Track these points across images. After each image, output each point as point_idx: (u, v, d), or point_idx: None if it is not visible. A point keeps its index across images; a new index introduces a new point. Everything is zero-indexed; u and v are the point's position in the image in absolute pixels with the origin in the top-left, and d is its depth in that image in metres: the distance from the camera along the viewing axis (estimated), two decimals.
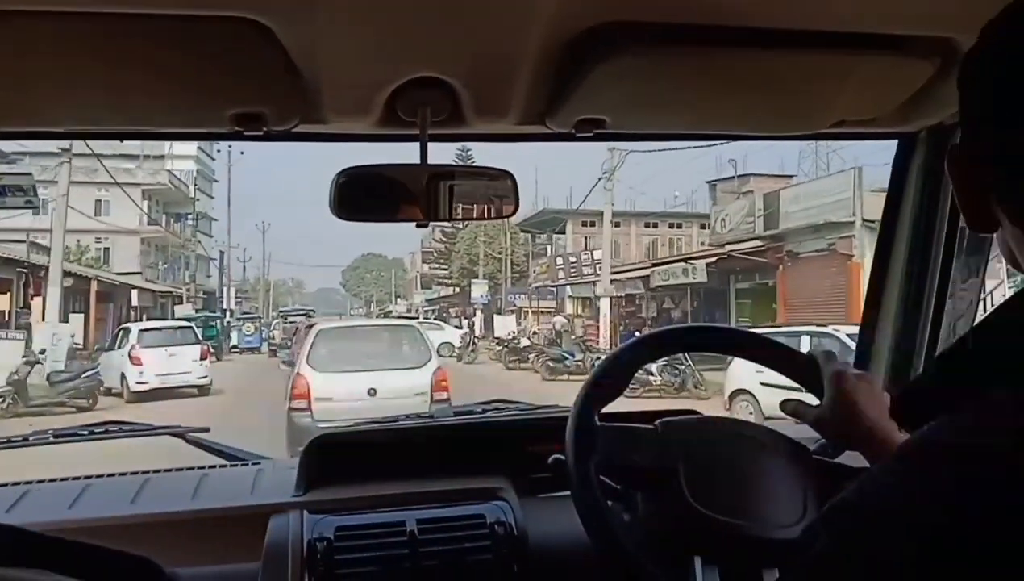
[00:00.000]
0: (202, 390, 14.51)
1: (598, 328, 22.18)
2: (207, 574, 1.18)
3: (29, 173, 13.96)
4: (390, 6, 0.84)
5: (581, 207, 28.99)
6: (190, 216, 35.30)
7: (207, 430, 1.67)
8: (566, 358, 16.05)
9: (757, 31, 0.90)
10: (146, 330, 15.49)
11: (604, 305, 20.82)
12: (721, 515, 0.94)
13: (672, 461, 0.97)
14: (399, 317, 31.86)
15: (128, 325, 16.51)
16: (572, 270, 28.12)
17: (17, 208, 13.35)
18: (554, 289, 31.76)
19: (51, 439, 1.59)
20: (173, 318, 23.35)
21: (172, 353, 14.42)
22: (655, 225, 35.29)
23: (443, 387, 7.92)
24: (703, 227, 35.34)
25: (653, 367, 11.80)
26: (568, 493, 1.00)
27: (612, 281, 21.74)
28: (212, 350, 18.78)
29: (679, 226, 35.83)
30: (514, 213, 1.20)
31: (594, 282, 26.11)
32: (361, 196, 1.14)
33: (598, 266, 26.64)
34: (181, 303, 29.06)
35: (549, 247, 36.85)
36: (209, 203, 44.60)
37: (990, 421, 0.41)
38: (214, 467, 1.55)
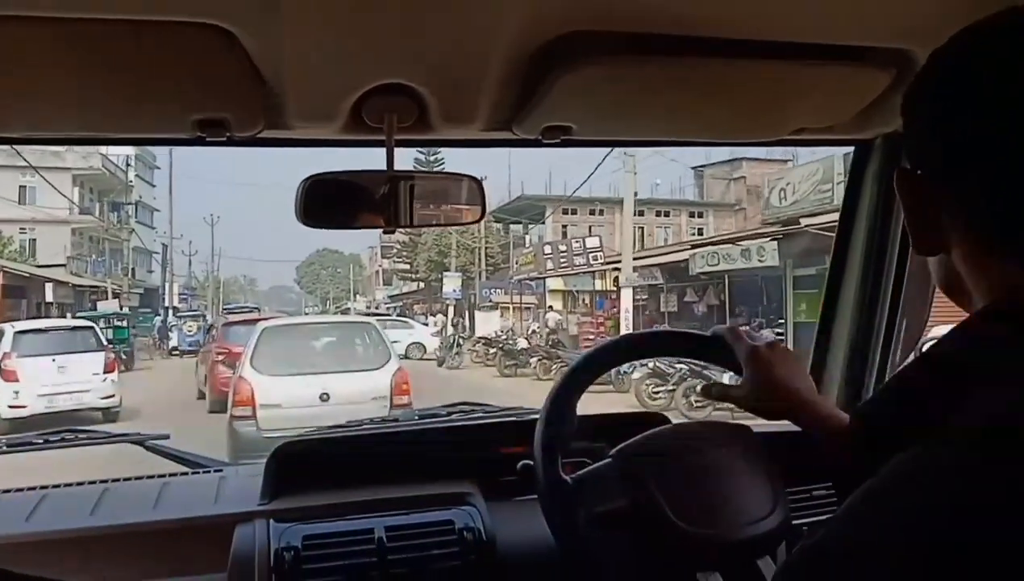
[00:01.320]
0: (108, 414, 11.64)
1: (599, 325, 21.28)
2: None
3: None
4: (355, 13, 0.91)
5: (571, 192, 28.55)
6: (128, 205, 34.79)
7: (167, 436, 1.77)
8: None
9: (721, 41, 1.00)
10: (25, 332, 12.41)
11: (626, 297, 19.24)
12: (713, 529, 1.04)
13: (649, 494, 1.04)
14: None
15: (1, 326, 13.11)
16: (562, 260, 27.68)
17: None
18: (534, 283, 31.78)
19: (3, 448, 1.67)
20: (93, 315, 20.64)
21: (63, 364, 11.68)
22: (641, 213, 35.58)
23: (404, 390, 7.91)
24: (692, 216, 35.68)
25: None
26: (535, 496, 1.11)
27: (635, 269, 20.11)
28: (123, 357, 16.87)
29: (667, 214, 36.21)
30: (481, 218, 1.32)
31: (592, 273, 25.57)
32: (327, 203, 1.24)
33: (591, 255, 26.13)
34: (107, 299, 27.66)
35: (527, 238, 36.96)
36: (150, 192, 43.94)
37: (938, 460, 0.46)
38: (175, 475, 1.65)
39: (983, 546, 0.42)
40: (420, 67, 1.07)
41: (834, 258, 1.59)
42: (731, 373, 1.14)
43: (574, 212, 36.07)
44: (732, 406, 1.13)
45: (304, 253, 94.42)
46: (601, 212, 35.49)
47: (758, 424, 1.17)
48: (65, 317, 20.37)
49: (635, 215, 35.40)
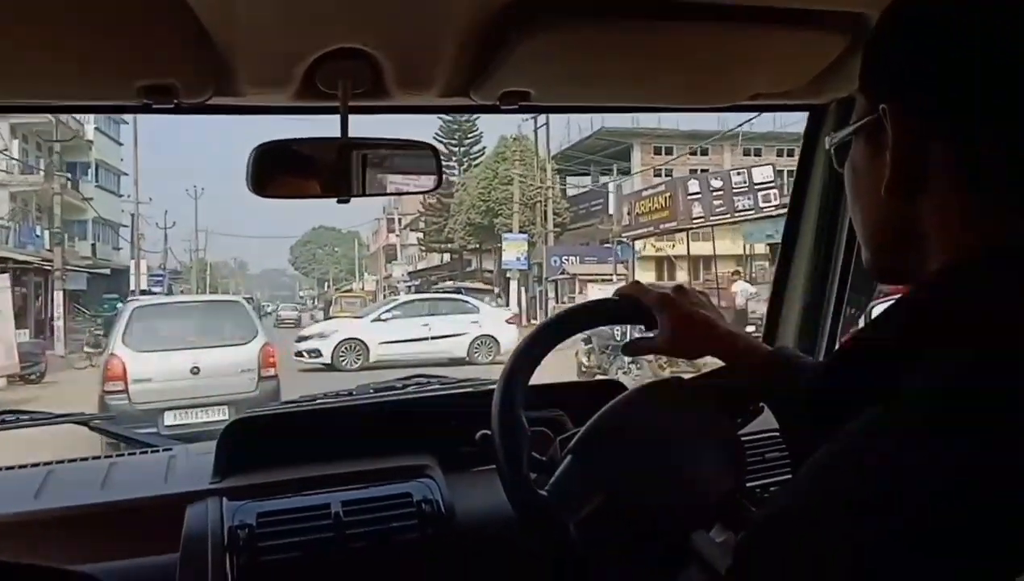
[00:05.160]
0: None
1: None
2: (121, 569, 1.62)
3: None
4: None
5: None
6: (89, 167, 35.36)
7: (113, 417, 2.21)
8: None
9: (677, 5, 1.30)
10: None
11: None
12: (651, 504, 1.32)
13: (619, 481, 1.32)
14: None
15: None
16: (716, 203, 25.96)
17: None
18: (618, 247, 31.10)
19: None
20: None
21: None
22: (757, 152, 35.17)
23: (271, 363, 10.88)
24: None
25: None
26: (494, 467, 1.47)
27: None
28: None
29: (791, 153, 35.68)
30: (437, 187, 1.71)
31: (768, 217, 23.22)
32: (279, 172, 1.60)
33: (760, 194, 24.30)
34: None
35: (614, 187, 36.61)
36: (116, 151, 44.78)
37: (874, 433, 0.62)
38: (122, 455, 2.08)
39: (938, 509, 0.56)
40: (375, 31, 1.36)
41: (788, 221, 2.02)
42: None
43: (668, 151, 35.94)
44: None
45: (298, 231, 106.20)
46: (705, 151, 35.27)
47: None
48: None
49: (751, 155, 35.03)
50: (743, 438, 1.42)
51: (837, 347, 1.87)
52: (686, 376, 1.49)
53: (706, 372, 1.44)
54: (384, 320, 21.21)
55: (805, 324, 1.99)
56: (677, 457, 1.37)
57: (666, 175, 34.50)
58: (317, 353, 20.01)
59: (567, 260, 33.84)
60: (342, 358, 19.97)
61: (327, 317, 29.71)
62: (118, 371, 10.07)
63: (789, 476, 1.55)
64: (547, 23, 1.31)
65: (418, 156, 1.67)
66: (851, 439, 0.63)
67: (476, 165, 45.41)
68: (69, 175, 35.57)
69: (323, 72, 1.46)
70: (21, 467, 1.98)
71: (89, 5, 1.18)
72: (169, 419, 9.70)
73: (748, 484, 1.47)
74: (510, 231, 36.05)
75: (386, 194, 1.67)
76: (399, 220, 59.09)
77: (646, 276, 28.84)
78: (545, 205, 36.35)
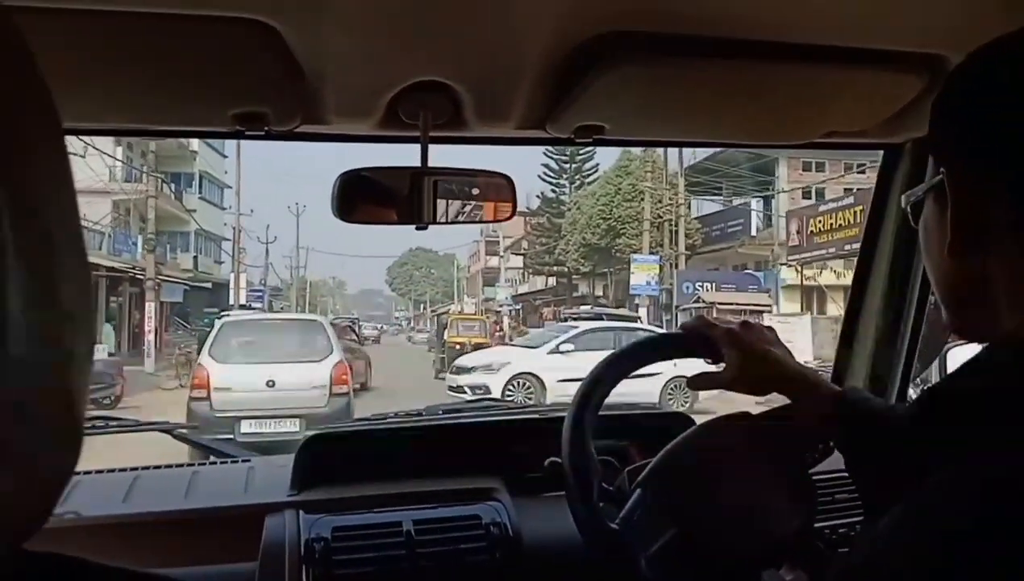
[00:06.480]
0: None
1: None
2: (202, 574, 1.84)
3: None
4: (396, 11, 1.32)
5: None
6: (193, 179, 36.32)
7: (196, 426, 2.49)
8: None
9: (754, 43, 1.42)
10: None
11: None
12: (723, 541, 1.45)
13: (692, 516, 1.45)
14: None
15: None
16: None
17: None
18: (761, 274, 30.33)
19: None
20: None
21: None
22: None
23: (343, 381, 12.74)
24: None
25: None
26: (562, 493, 1.58)
27: None
28: None
29: None
30: (512, 216, 1.90)
31: None
32: (362, 198, 1.81)
33: None
34: None
35: (756, 205, 35.85)
36: (220, 163, 46.63)
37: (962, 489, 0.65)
38: (204, 464, 2.34)
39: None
40: (457, 65, 1.54)
41: (860, 260, 2.15)
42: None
43: (820, 167, 35.17)
44: None
45: (395, 252, 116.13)
46: (863, 170, 34.37)
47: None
48: None
49: None
50: (815, 477, 1.55)
51: (917, 398, 1.95)
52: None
53: (773, 408, 1.56)
54: (563, 352, 19.57)
55: (876, 364, 2.14)
56: (747, 494, 1.49)
57: (816, 195, 33.94)
58: (484, 389, 17.96)
59: (702, 286, 33.06)
60: (511, 396, 17.98)
61: (440, 341, 29.65)
62: (203, 379, 12.25)
63: (860, 518, 1.64)
64: (622, 60, 1.46)
65: (494, 185, 1.85)
66: (930, 500, 0.67)
67: (590, 182, 45.65)
68: (172, 184, 36.73)
69: (405, 103, 1.66)
70: (110, 471, 2.24)
71: (190, 38, 1.34)
72: (245, 427, 11.58)
73: (818, 524, 1.57)
74: (635, 252, 35.69)
75: (462, 222, 1.86)
76: (501, 242, 61.16)
77: (791, 308, 28.30)
78: (675, 224, 35.78)
